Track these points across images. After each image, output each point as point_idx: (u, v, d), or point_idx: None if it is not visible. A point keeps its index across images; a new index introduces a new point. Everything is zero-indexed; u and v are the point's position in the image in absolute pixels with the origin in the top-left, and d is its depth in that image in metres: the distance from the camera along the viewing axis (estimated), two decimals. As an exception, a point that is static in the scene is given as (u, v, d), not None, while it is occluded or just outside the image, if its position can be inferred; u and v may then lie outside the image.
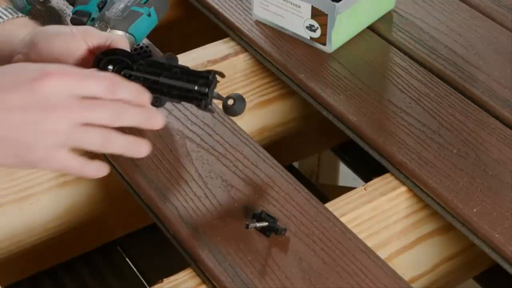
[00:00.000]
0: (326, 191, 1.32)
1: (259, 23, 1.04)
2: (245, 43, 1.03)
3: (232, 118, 0.89)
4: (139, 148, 0.72)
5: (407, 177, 0.83)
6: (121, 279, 1.05)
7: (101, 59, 0.75)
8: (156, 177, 0.82)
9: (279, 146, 1.13)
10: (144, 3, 0.92)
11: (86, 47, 0.77)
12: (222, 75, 0.77)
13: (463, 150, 0.85)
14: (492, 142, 0.86)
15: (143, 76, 0.75)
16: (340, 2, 0.95)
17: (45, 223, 0.98)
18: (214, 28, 1.09)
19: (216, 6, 1.07)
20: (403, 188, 0.84)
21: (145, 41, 1.00)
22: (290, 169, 1.22)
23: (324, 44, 0.99)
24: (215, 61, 1.00)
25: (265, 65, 1.01)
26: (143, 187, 0.81)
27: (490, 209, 0.78)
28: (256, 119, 1.08)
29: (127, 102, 0.70)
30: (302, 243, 0.75)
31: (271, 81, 1.06)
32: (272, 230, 0.75)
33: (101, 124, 0.68)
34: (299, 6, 0.97)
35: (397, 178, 0.85)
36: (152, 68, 0.75)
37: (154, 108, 0.73)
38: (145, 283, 1.04)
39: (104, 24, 0.90)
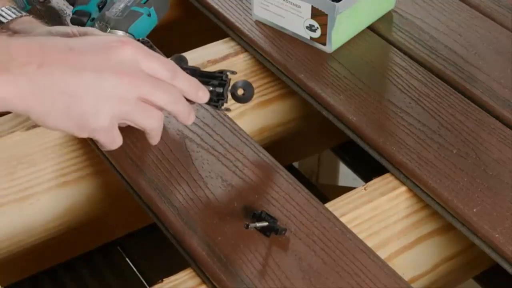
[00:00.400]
0: (326, 191, 1.32)
1: (259, 23, 1.04)
2: (245, 43, 1.03)
3: (232, 118, 0.89)
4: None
5: (407, 177, 0.83)
6: (121, 279, 1.05)
7: None
8: (156, 177, 0.82)
9: (279, 146, 1.14)
10: (144, 3, 0.92)
11: None
12: (234, 72, 0.78)
13: (463, 150, 0.85)
14: (492, 142, 0.86)
15: None
16: (340, 2, 0.95)
17: (45, 223, 0.98)
18: (214, 28, 1.09)
19: (216, 6, 1.07)
20: (403, 188, 0.84)
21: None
22: (290, 169, 1.22)
23: (324, 44, 0.99)
24: (215, 61, 1.00)
25: (265, 65, 1.01)
26: (143, 187, 0.81)
27: (490, 209, 0.78)
28: (256, 119, 1.08)
29: (182, 92, 0.73)
30: (302, 243, 0.75)
31: (271, 81, 1.06)
32: (272, 230, 0.75)
33: (158, 105, 0.70)
34: (299, 6, 0.97)
35: (397, 178, 0.85)
36: None
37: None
38: (145, 283, 1.04)
39: (104, 24, 0.90)
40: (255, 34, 1.02)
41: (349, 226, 0.78)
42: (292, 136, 1.16)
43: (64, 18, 1.03)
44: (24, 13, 0.83)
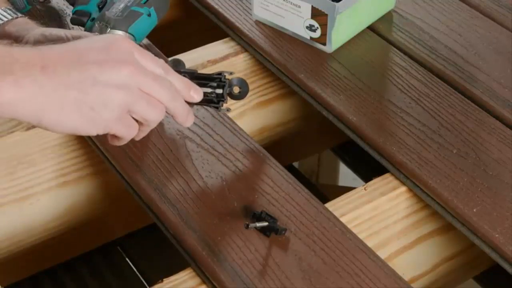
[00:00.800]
0: (326, 191, 1.32)
1: (259, 23, 1.04)
2: (245, 43, 1.03)
3: (232, 118, 0.89)
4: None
5: (407, 177, 0.83)
6: (121, 279, 1.05)
7: None
8: (156, 177, 0.82)
9: (279, 146, 1.13)
10: (144, 3, 0.92)
11: None
12: (231, 73, 0.78)
13: (463, 150, 0.85)
14: (492, 142, 0.86)
15: None
16: (340, 2, 0.95)
17: (45, 223, 0.98)
18: (214, 28, 1.09)
19: (216, 6, 1.07)
20: (403, 188, 0.84)
21: (145, 41, 1.00)
22: (290, 169, 1.22)
23: (324, 44, 0.99)
24: (215, 61, 1.00)
25: (265, 65, 1.01)
26: (143, 187, 0.81)
27: (490, 209, 0.78)
28: (256, 119, 1.08)
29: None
30: (302, 243, 0.75)
31: (271, 81, 1.06)
32: (272, 230, 0.75)
33: (158, 99, 0.70)
34: (299, 6, 0.97)
35: (397, 178, 0.85)
36: None
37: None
38: (145, 283, 1.04)
39: (104, 24, 0.90)
40: (255, 34, 1.02)
41: (349, 226, 0.78)
42: (292, 136, 1.16)
43: (64, 18, 1.03)
44: (19, 14, 0.83)
